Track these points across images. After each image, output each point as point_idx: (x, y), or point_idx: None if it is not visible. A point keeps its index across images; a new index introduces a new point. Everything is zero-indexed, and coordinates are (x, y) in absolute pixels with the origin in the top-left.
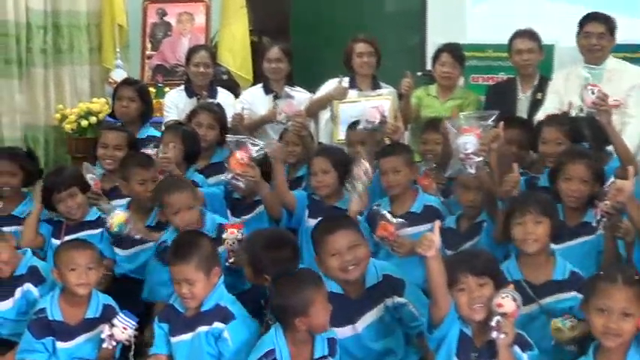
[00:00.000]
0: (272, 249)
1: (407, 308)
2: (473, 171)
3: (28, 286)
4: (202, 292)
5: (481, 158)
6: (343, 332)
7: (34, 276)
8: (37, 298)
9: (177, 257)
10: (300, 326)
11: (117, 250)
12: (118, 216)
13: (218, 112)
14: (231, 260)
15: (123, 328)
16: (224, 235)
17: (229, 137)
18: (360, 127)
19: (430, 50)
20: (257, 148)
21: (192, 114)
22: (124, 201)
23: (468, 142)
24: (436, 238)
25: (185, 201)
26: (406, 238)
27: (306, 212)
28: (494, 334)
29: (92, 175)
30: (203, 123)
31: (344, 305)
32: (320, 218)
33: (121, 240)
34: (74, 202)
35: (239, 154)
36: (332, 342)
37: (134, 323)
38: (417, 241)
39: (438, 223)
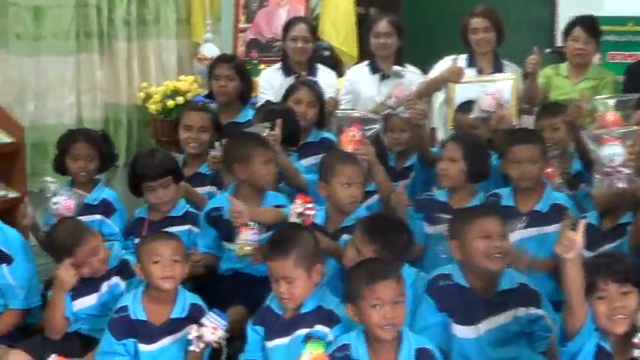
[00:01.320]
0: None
1: (544, 321)
2: (624, 185)
3: (115, 279)
4: (302, 292)
5: (631, 170)
6: (464, 332)
7: (124, 270)
8: (124, 292)
9: (275, 252)
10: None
11: (227, 245)
12: (244, 246)
13: (318, 89)
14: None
15: (213, 328)
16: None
17: (340, 112)
18: (473, 115)
19: (561, 24)
20: (371, 126)
21: (290, 90)
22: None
23: (613, 153)
24: (579, 238)
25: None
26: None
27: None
28: (637, 352)
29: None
30: (303, 100)
31: (470, 301)
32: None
33: (230, 234)
34: (167, 193)
35: (351, 131)
36: (423, 353)
37: (225, 323)
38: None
39: (583, 222)
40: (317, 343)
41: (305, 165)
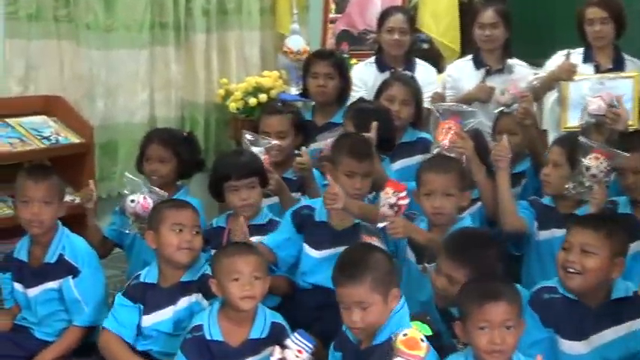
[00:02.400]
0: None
1: None
2: None
3: (196, 296)
4: (377, 320)
5: None
6: (574, 348)
7: (206, 286)
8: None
9: (345, 276)
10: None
11: (309, 250)
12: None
13: (415, 85)
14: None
15: (297, 352)
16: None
17: (436, 105)
18: (581, 120)
19: None
20: (470, 120)
21: (383, 86)
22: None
23: None
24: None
25: None
26: None
27: (535, 224)
28: None
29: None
30: (396, 97)
31: (578, 314)
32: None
33: (317, 239)
34: (251, 195)
35: (447, 124)
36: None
37: (311, 346)
38: None
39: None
40: (422, 327)
41: (397, 168)
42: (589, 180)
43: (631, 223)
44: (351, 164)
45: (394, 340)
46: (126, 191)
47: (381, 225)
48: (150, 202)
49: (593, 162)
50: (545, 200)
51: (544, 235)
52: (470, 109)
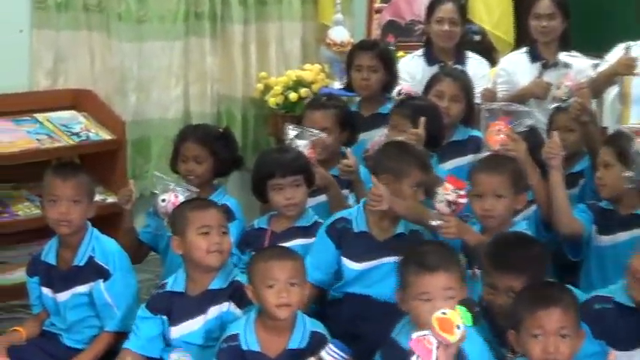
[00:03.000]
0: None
1: None
2: None
3: (227, 305)
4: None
5: None
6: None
7: (238, 295)
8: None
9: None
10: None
11: (349, 263)
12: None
13: (465, 80)
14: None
15: None
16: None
17: (486, 105)
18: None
19: None
20: (522, 120)
21: (432, 81)
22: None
23: None
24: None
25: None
26: None
27: (594, 227)
28: None
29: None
30: (446, 93)
31: (636, 324)
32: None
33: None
34: (296, 194)
35: (496, 126)
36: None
37: (347, 357)
38: None
39: None
40: (465, 314)
41: (449, 168)
42: None
43: None
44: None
45: (432, 316)
46: (156, 191)
47: (434, 223)
48: (181, 201)
49: None
50: (604, 203)
51: (606, 239)
52: (523, 108)
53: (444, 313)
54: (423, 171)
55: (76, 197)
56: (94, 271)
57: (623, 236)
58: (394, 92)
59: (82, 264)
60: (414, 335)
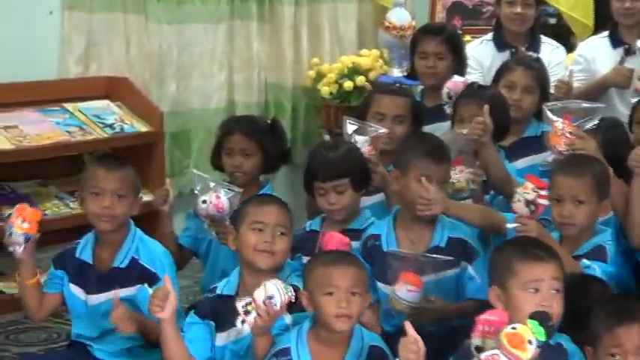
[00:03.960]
0: None
1: None
2: None
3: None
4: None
5: None
6: None
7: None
8: (289, 326)
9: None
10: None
11: (384, 287)
12: (399, 305)
13: (541, 70)
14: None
15: None
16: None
17: (549, 104)
18: None
19: None
20: (590, 116)
21: (503, 69)
22: None
23: None
24: None
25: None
26: None
27: None
28: None
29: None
30: (518, 84)
31: None
32: None
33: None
34: (340, 200)
35: (560, 124)
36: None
37: None
38: None
39: None
40: (537, 329)
41: (522, 166)
42: None
43: None
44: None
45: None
46: (196, 191)
47: (510, 226)
48: (224, 202)
49: None
50: None
51: None
52: (590, 104)
53: (513, 328)
54: (431, 161)
55: (120, 191)
56: (138, 274)
57: None
58: (443, 94)
59: (123, 266)
60: (483, 356)
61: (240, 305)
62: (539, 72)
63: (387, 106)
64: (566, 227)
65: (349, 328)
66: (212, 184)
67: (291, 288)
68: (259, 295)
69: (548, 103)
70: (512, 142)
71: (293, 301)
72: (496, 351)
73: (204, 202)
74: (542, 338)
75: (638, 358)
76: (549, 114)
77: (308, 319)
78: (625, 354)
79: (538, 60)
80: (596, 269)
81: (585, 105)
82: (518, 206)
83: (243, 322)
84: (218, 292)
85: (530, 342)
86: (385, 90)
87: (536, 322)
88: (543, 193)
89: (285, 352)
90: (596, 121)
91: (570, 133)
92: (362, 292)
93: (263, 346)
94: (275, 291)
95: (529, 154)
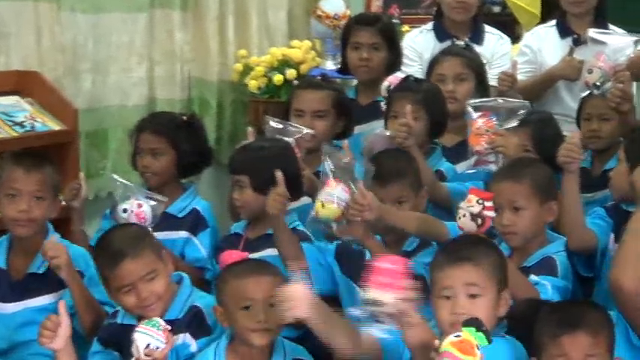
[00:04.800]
0: None
1: None
2: None
3: (184, 337)
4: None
5: None
6: None
7: (195, 323)
8: (194, 354)
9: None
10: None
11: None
12: (331, 207)
13: (472, 56)
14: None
15: None
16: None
17: (471, 102)
18: None
19: None
20: (512, 116)
21: (431, 64)
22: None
23: None
24: None
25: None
26: None
27: (611, 236)
28: None
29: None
30: (447, 75)
31: None
32: None
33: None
34: (241, 196)
35: (479, 122)
36: None
37: None
38: None
39: None
40: (477, 335)
41: (462, 170)
42: None
43: None
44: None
45: (440, 342)
46: (116, 198)
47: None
48: (146, 211)
49: None
50: (630, 206)
51: None
52: (514, 102)
53: (457, 337)
54: (402, 183)
55: (39, 193)
56: (58, 278)
57: None
58: (383, 88)
59: (40, 272)
60: None
61: None
62: (468, 59)
63: (306, 101)
64: (509, 237)
65: (270, 342)
66: (134, 192)
67: (158, 320)
68: (136, 351)
69: (471, 101)
70: (456, 143)
71: (169, 329)
72: None
73: (124, 210)
74: (484, 343)
75: None
76: (470, 111)
77: (225, 335)
78: None
79: (469, 48)
80: (547, 286)
81: (510, 102)
82: (465, 221)
83: None
84: (119, 320)
85: (477, 347)
86: (304, 84)
87: (472, 329)
88: (489, 204)
89: None
90: (517, 120)
91: (487, 130)
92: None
93: None
94: (146, 339)
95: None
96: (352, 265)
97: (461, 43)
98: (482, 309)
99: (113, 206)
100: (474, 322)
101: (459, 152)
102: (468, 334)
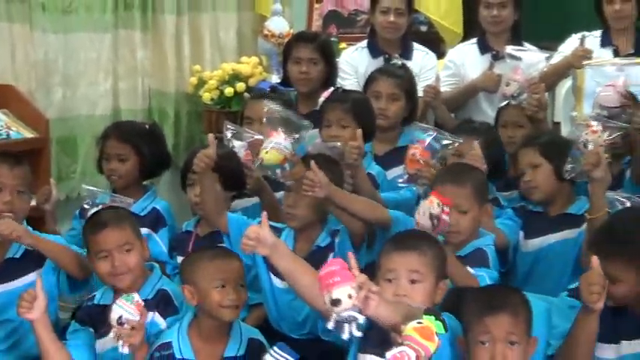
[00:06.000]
0: None
1: None
2: None
3: (153, 315)
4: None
5: None
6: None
7: (162, 304)
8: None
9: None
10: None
11: (277, 282)
12: (274, 152)
13: (406, 76)
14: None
15: None
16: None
17: (418, 124)
18: (592, 112)
19: None
20: (444, 143)
21: (368, 81)
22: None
23: None
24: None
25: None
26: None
27: (521, 234)
28: None
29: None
30: (382, 92)
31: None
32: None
33: None
34: (198, 192)
35: (416, 150)
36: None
37: None
38: None
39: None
40: (436, 324)
41: (394, 176)
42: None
43: None
44: None
45: (404, 328)
46: (85, 205)
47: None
48: None
49: (591, 136)
50: (532, 205)
51: (533, 243)
52: (444, 134)
53: (419, 323)
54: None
55: (21, 187)
56: (35, 259)
57: (552, 239)
58: (321, 99)
59: (18, 256)
60: (390, 354)
61: (111, 335)
62: (402, 79)
63: (255, 110)
64: (452, 235)
65: (235, 319)
66: (104, 198)
67: (133, 295)
68: (112, 320)
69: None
70: (385, 152)
71: (142, 303)
72: (402, 347)
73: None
74: (442, 331)
75: (506, 344)
76: (416, 135)
77: (187, 314)
78: (494, 341)
79: (404, 67)
80: (485, 276)
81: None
82: (423, 219)
83: (122, 346)
84: (95, 301)
85: (437, 334)
86: (255, 96)
87: (432, 317)
88: (447, 209)
89: (167, 346)
90: (450, 149)
91: (420, 160)
92: (245, 284)
93: (141, 357)
94: (120, 311)
95: (397, 165)
96: None
97: (398, 62)
98: (420, 294)
99: (82, 207)
100: (433, 311)
101: (389, 160)
102: (429, 321)
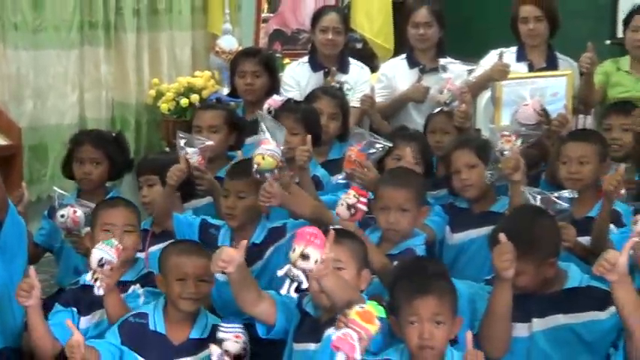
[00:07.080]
0: None
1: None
2: None
3: (134, 287)
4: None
5: None
6: (519, 332)
7: (148, 282)
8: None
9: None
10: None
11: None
12: (269, 159)
13: (342, 98)
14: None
15: (235, 337)
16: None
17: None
18: (511, 125)
19: (623, 12)
20: (377, 147)
21: (310, 98)
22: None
23: None
24: (622, 260)
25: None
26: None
27: (447, 228)
28: None
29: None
30: (324, 111)
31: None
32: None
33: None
34: (150, 193)
35: (352, 151)
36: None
37: (241, 326)
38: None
39: (632, 240)
40: (378, 308)
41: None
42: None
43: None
44: (227, 183)
45: (348, 312)
46: (55, 206)
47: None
48: (80, 216)
49: (506, 145)
50: (459, 202)
51: (458, 237)
52: (378, 139)
53: (362, 307)
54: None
55: None
56: None
57: (473, 234)
58: (264, 108)
59: None
60: (335, 336)
61: (88, 277)
62: (341, 100)
63: (202, 119)
64: (391, 233)
65: (195, 310)
66: (69, 200)
67: (112, 240)
68: (93, 263)
69: (357, 128)
70: (325, 160)
71: (120, 247)
72: (346, 329)
73: (62, 216)
74: (383, 315)
75: (432, 324)
76: (353, 139)
77: (164, 296)
78: (421, 321)
79: (340, 90)
80: None
81: (373, 138)
82: (341, 209)
83: (97, 288)
84: (81, 283)
85: (379, 318)
86: (202, 106)
87: (375, 303)
88: (363, 200)
89: (144, 315)
90: (381, 151)
91: (355, 160)
92: (209, 279)
93: (113, 304)
94: (100, 253)
95: (334, 174)
96: None
97: (336, 85)
98: (343, 279)
99: (51, 207)
100: (375, 298)
101: (329, 167)
102: (371, 306)
